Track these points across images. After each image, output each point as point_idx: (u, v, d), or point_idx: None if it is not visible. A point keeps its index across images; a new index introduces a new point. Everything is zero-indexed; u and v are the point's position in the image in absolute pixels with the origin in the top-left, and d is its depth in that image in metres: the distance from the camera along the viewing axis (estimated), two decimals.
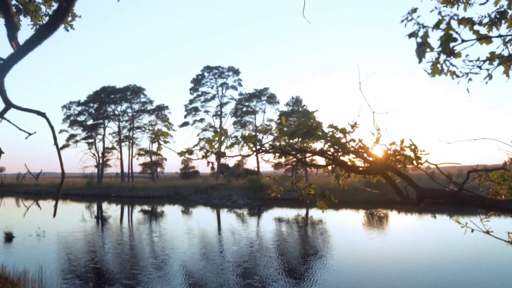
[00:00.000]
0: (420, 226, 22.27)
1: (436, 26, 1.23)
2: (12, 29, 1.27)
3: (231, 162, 68.84)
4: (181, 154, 2.89)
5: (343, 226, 22.22)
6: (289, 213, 29.99)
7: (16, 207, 37.95)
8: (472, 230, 2.55)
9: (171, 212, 33.17)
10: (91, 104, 65.12)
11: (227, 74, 63.13)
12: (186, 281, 11.41)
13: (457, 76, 1.33)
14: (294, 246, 16.83)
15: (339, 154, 2.60)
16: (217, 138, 3.03)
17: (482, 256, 13.51)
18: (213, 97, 63.81)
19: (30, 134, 1.74)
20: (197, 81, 63.83)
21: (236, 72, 63.03)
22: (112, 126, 69.59)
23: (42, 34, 1.09)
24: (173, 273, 12.28)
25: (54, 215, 1.95)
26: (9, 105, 1.40)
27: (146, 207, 36.73)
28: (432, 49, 1.26)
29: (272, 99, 62.25)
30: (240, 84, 63.56)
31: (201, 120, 64.21)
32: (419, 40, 1.24)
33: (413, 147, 2.43)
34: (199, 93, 63.91)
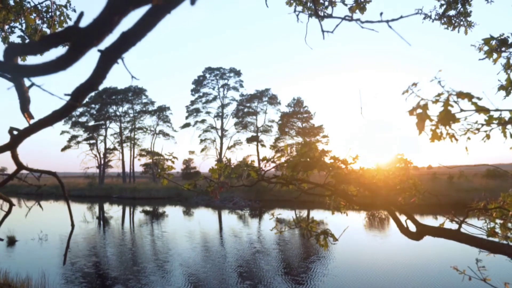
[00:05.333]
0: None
1: (436, 100, 1.28)
2: (25, 102, 1.32)
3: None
4: (186, 187, 2.94)
5: (344, 227, 22.24)
6: (291, 214, 30.04)
7: (18, 208, 38.05)
8: (470, 278, 2.59)
9: (173, 213, 33.26)
10: (93, 105, 65.24)
11: (229, 75, 63.22)
12: (188, 282, 11.49)
13: (456, 140, 1.38)
14: (295, 247, 16.89)
15: (341, 185, 2.65)
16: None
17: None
18: (214, 98, 63.91)
19: (40, 186, 1.80)
20: (199, 82, 63.92)
21: (237, 73, 63.10)
22: (113, 127, 69.55)
23: (52, 119, 1.14)
24: (174, 275, 12.37)
25: (64, 263, 2.00)
26: (20, 167, 1.46)
27: (147, 208, 36.84)
28: (431, 121, 1.30)
29: (273, 100, 62.33)
30: (241, 85, 63.65)
31: (203, 121, 64.33)
32: (419, 111, 1.29)
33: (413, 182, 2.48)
34: (201, 94, 64.02)
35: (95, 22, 0.80)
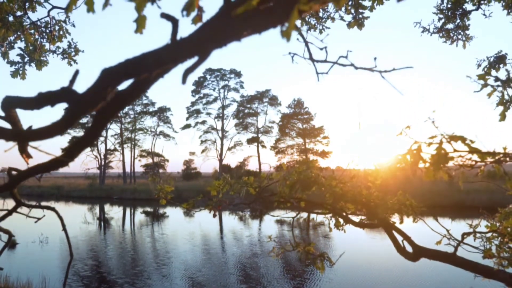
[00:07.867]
0: (422, 229, 22.26)
1: (429, 143, 1.29)
2: (23, 144, 1.34)
3: (232, 164, 68.86)
4: (185, 206, 2.95)
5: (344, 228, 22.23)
6: (291, 215, 30.04)
7: (18, 208, 38.08)
8: None
9: (173, 214, 33.27)
10: None
11: (229, 76, 63.19)
12: (188, 284, 11.55)
13: (451, 177, 1.39)
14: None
15: (339, 203, 2.67)
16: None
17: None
18: (215, 99, 63.88)
19: (39, 219, 1.82)
20: (199, 83, 63.89)
21: (237, 74, 63.07)
22: (114, 128, 69.53)
23: (49, 167, 1.16)
24: (174, 277, 12.44)
25: None
26: (19, 203, 1.48)
27: (148, 209, 36.87)
28: (425, 162, 1.32)
29: (273, 101, 62.33)
30: (241, 86, 63.60)
31: (203, 122, 64.32)
32: (413, 152, 1.31)
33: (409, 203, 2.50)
34: (201, 95, 63.99)
35: (89, 91, 0.82)
